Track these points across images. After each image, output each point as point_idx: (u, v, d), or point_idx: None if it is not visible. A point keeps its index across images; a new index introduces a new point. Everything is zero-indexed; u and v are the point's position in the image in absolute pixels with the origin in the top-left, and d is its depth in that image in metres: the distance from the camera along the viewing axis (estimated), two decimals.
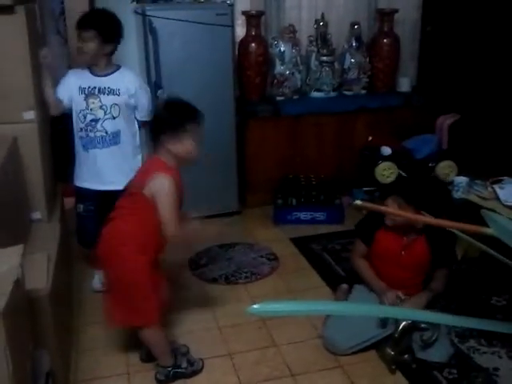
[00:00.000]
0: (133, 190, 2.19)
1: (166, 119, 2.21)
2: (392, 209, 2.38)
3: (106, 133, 2.78)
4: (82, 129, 2.79)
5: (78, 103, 2.76)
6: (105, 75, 2.76)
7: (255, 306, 1.06)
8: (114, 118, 2.76)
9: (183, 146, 2.17)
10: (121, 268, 2.17)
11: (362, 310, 1.45)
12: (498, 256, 2.72)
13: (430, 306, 2.49)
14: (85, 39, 2.66)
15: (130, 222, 2.18)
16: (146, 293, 2.18)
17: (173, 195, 2.13)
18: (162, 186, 2.12)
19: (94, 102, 2.74)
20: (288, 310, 1.19)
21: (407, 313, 1.69)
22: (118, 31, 2.75)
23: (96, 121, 2.76)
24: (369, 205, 2.32)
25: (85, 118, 2.76)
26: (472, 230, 1.23)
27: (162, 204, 2.12)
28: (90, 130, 2.77)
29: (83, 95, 2.74)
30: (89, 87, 2.74)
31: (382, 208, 2.22)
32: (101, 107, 2.75)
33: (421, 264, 2.53)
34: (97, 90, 2.74)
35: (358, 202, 1.49)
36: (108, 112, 2.75)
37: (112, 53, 2.78)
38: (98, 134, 2.77)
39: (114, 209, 2.24)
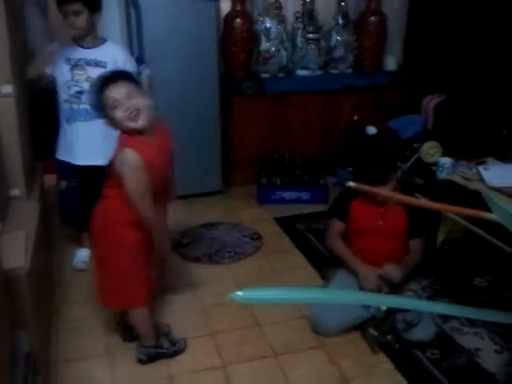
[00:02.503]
0: (110, 169, 2.12)
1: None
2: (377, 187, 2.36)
3: (90, 105, 2.71)
4: (65, 100, 2.73)
5: (63, 74, 2.70)
6: (92, 47, 2.72)
7: (239, 293, 1.02)
8: None
9: (109, 119, 1.99)
10: (114, 245, 2.11)
11: (350, 298, 1.43)
12: (484, 234, 2.74)
13: (412, 277, 2.50)
14: (74, 13, 2.59)
15: (117, 200, 2.08)
16: (137, 272, 2.15)
17: (136, 172, 1.96)
18: (123, 163, 1.97)
19: (80, 74, 2.69)
20: (273, 297, 1.15)
21: (394, 301, 1.67)
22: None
23: (81, 92, 2.70)
24: (362, 186, 2.30)
25: (69, 89, 2.70)
26: (472, 214, 1.20)
27: (125, 182, 1.98)
28: (74, 102, 2.71)
29: (69, 65, 2.69)
30: (75, 58, 2.69)
31: (376, 190, 2.20)
32: (87, 79, 2.69)
33: (400, 229, 2.51)
34: (83, 62, 2.69)
35: (352, 184, 1.45)
36: None
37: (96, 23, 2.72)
38: (82, 106, 2.71)
39: (103, 187, 2.17)
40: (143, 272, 2.18)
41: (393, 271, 2.39)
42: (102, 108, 2.01)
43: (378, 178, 2.36)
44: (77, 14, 2.60)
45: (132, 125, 1.97)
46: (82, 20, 2.62)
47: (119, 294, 2.19)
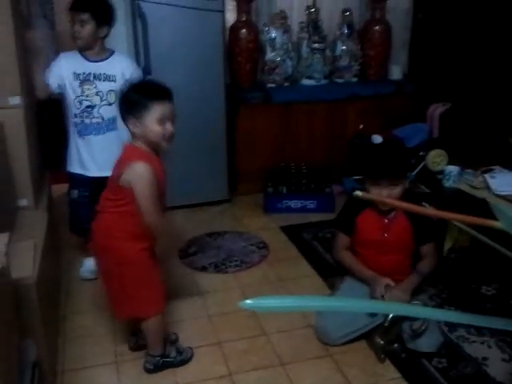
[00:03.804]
0: (111, 182, 2.14)
1: (125, 98, 2.07)
2: (385, 191, 2.37)
3: (103, 119, 2.75)
4: (76, 115, 2.75)
5: (73, 89, 2.71)
6: (100, 60, 2.73)
7: (248, 301, 1.03)
8: (111, 104, 2.72)
9: (146, 127, 2.02)
10: (117, 260, 2.12)
11: (358, 306, 1.43)
12: (491, 243, 2.73)
13: (420, 288, 2.49)
14: (80, 22, 2.62)
15: (116, 214, 2.11)
16: (147, 281, 2.17)
17: (150, 183, 2.02)
18: (137, 175, 2.01)
19: (89, 89, 2.70)
20: (281, 305, 1.16)
21: (403, 309, 1.67)
22: (111, 14, 2.71)
23: (92, 107, 2.72)
24: (369, 196, 2.30)
25: (80, 104, 2.72)
26: (478, 222, 1.19)
27: (138, 193, 2.02)
28: (86, 117, 2.73)
29: (78, 81, 2.70)
30: (83, 73, 2.70)
31: (384, 199, 2.20)
32: (97, 93, 2.71)
33: (405, 241, 2.51)
34: (92, 76, 2.71)
35: (359, 194, 1.46)
36: (104, 98, 2.72)
37: (105, 36, 2.74)
38: (95, 120, 2.74)
39: (98, 201, 2.19)
40: (153, 280, 2.19)
41: (401, 296, 2.38)
42: (135, 110, 2.02)
43: (396, 174, 2.38)
44: (82, 23, 2.62)
45: (164, 144, 2.07)
46: (86, 31, 2.64)
47: (129, 305, 2.20)
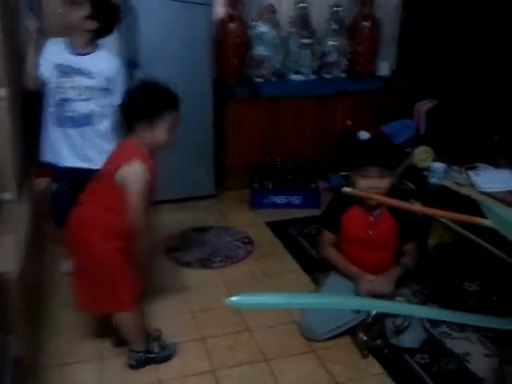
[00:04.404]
0: (103, 175, 2.12)
1: (143, 105, 2.07)
2: (374, 182, 2.38)
3: (77, 114, 2.68)
4: (51, 105, 2.70)
5: (51, 79, 2.65)
6: (83, 54, 2.63)
7: (233, 299, 1.03)
8: (87, 99, 2.66)
9: (158, 134, 2.07)
10: (90, 255, 2.11)
11: (343, 303, 1.43)
12: (475, 239, 2.75)
13: (401, 281, 2.51)
14: (73, 1, 2.51)
15: (97, 209, 2.11)
16: (117, 279, 2.14)
17: (144, 184, 2.04)
18: (135, 174, 2.02)
19: (65, 82, 2.64)
20: (267, 302, 1.16)
21: (387, 306, 1.68)
22: (109, 13, 2.62)
23: (66, 100, 2.66)
24: (357, 192, 2.30)
25: (55, 95, 2.66)
26: (467, 220, 1.19)
27: (131, 192, 2.03)
28: (60, 108, 2.68)
29: (56, 72, 2.63)
30: (62, 65, 2.62)
31: (371, 195, 2.21)
32: (72, 88, 2.64)
33: (389, 239, 2.53)
34: (70, 69, 2.63)
35: (346, 189, 1.46)
36: (80, 94, 2.65)
37: (94, 33, 2.63)
38: (67, 114, 2.67)
39: (83, 190, 2.17)
40: (123, 278, 2.16)
41: (384, 285, 2.40)
42: (149, 116, 2.05)
43: (384, 163, 2.40)
44: (75, 3, 2.52)
45: (165, 149, 2.14)
46: (77, 13, 2.52)
47: (101, 300, 2.18)
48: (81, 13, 2.54)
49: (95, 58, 2.64)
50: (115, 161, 2.09)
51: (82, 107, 2.65)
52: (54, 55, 2.63)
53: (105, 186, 2.09)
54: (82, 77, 2.62)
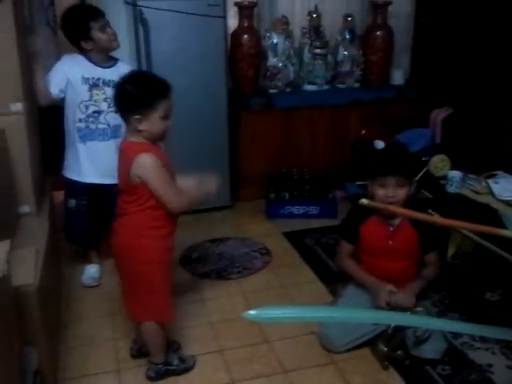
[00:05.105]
0: (122, 185, 2.12)
1: (135, 97, 2.03)
2: (391, 191, 2.37)
3: (109, 126, 2.75)
4: (81, 120, 2.74)
5: (79, 93, 2.70)
6: (108, 67, 2.75)
7: (251, 312, 1.02)
8: (116, 111, 2.70)
9: (152, 124, 2.03)
10: (143, 258, 2.11)
11: (362, 317, 1.42)
12: (495, 249, 2.71)
13: (423, 293, 2.48)
14: (108, 24, 2.71)
15: (140, 214, 2.10)
16: (162, 287, 2.17)
17: (159, 169, 2.03)
18: (145, 166, 2.00)
19: (98, 94, 2.70)
20: (285, 316, 1.15)
21: (407, 319, 1.65)
22: None
23: (99, 113, 2.72)
24: (376, 204, 2.28)
25: (87, 108, 2.71)
26: (488, 231, 1.18)
27: (152, 182, 2.02)
28: (92, 122, 2.73)
29: (87, 85, 2.70)
30: (93, 78, 2.71)
31: (390, 207, 2.19)
32: (105, 99, 2.71)
33: (410, 249, 2.50)
34: (101, 82, 2.71)
35: (364, 201, 1.44)
36: (112, 105, 2.69)
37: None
38: (100, 126, 2.73)
39: (116, 205, 2.17)
40: (167, 286, 2.20)
41: (405, 299, 2.37)
42: (140, 108, 2.02)
43: (402, 172, 2.40)
44: (109, 26, 2.70)
45: (162, 138, 2.12)
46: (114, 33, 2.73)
47: (150, 307, 2.20)
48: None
49: (119, 69, 2.69)
50: (123, 164, 2.08)
51: (113, 119, 2.71)
52: (79, 69, 2.69)
53: (130, 193, 2.08)
54: (113, 88, 2.66)
